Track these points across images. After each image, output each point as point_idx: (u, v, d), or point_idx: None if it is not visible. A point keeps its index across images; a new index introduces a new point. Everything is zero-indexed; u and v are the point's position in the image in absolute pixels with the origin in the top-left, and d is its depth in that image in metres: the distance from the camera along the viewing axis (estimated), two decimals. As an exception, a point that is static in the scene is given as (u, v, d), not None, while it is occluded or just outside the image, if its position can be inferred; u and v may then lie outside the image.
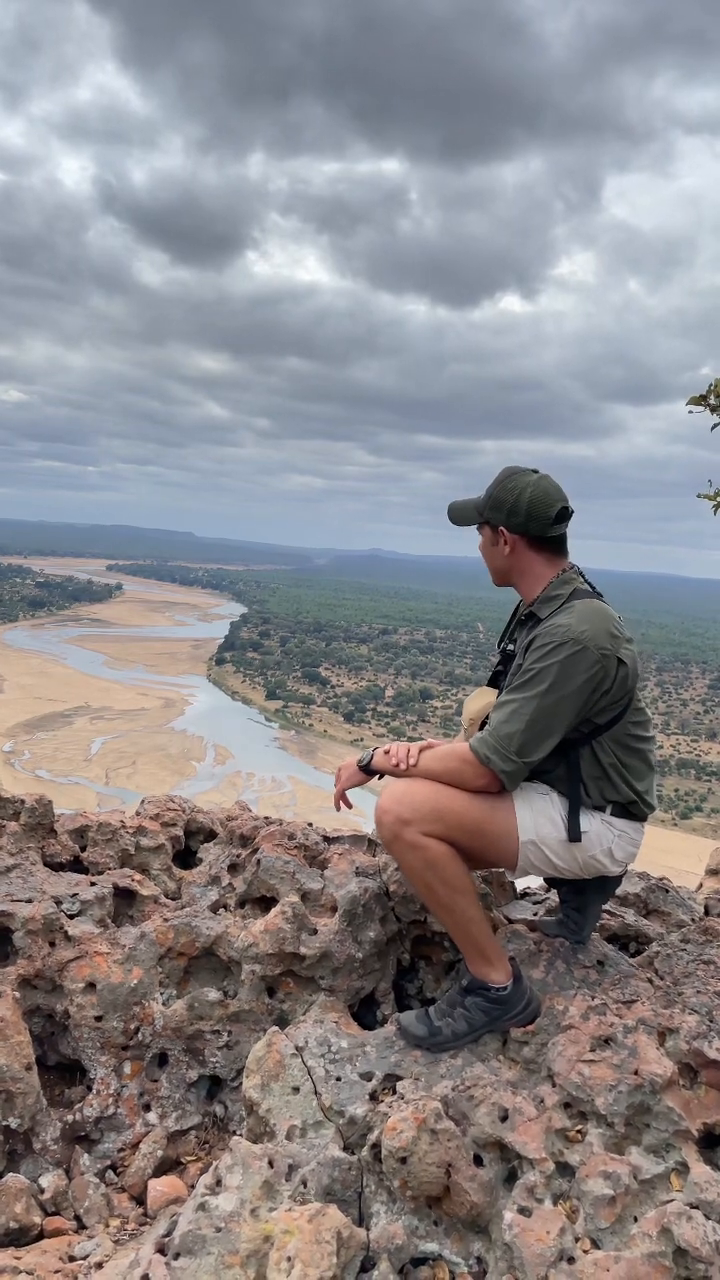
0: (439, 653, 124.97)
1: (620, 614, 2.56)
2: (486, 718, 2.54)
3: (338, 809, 2.73)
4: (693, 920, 3.13)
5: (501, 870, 3.03)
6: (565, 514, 2.52)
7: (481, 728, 2.50)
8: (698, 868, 4.23)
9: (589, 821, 2.45)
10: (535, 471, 2.56)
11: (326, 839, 3.23)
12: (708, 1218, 1.96)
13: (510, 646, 2.72)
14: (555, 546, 2.56)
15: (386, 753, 2.54)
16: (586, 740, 2.43)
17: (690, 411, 2.96)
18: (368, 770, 2.60)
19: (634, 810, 2.51)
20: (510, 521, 2.52)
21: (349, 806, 2.67)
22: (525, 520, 2.50)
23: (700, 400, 2.93)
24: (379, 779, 2.61)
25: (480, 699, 2.73)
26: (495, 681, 2.76)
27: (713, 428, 2.93)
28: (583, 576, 2.59)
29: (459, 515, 2.65)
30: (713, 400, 2.91)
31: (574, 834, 2.42)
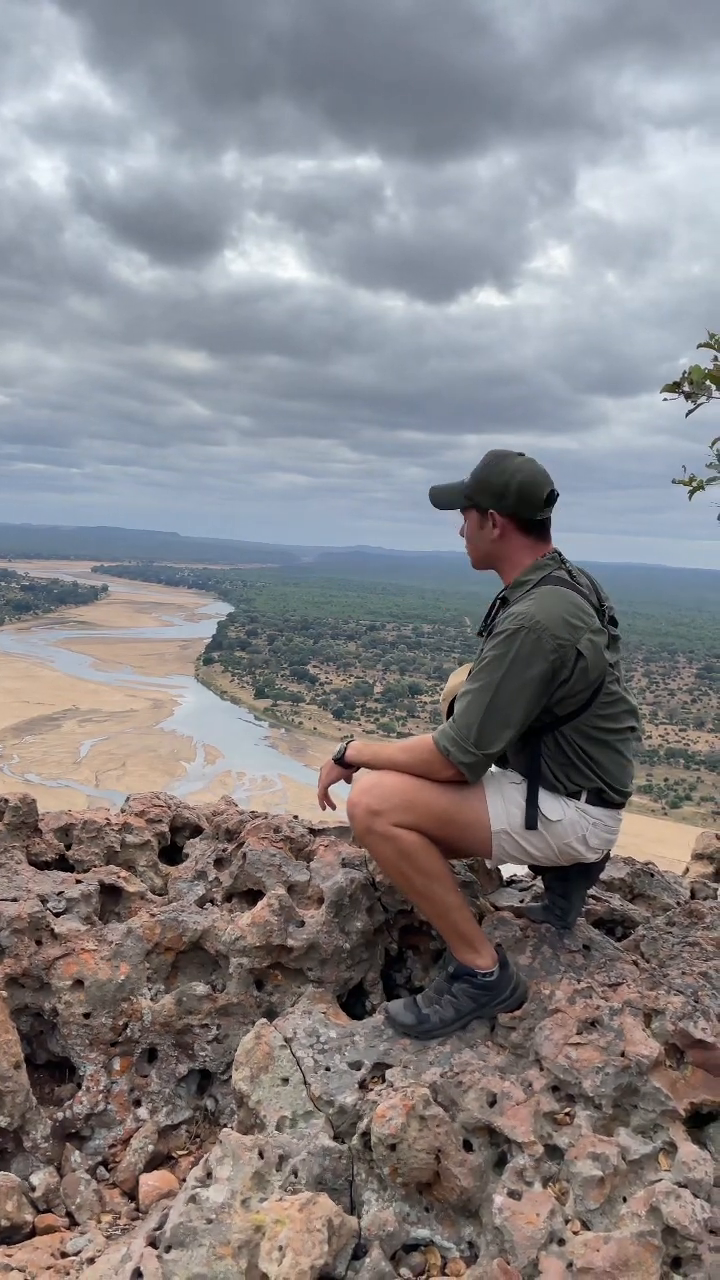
0: (427, 648, 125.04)
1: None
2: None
3: (322, 808, 2.71)
4: (678, 904, 3.14)
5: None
6: (553, 497, 2.50)
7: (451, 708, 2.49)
8: (688, 856, 4.24)
9: (562, 809, 2.43)
10: (521, 454, 2.52)
11: (312, 831, 3.23)
12: (696, 1196, 1.98)
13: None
14: (540, 530, 2.54)
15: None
16: (549, 730, 2.40)
17: (665, 399, 2.95)
18: (342, 763, 2.57)
19: (607, 798, 2.48)
20: (501, 505, 2.47)
21: (333, 807, 2.65)
22: (516, 503, 2.46)
23: (674, 388, 2.92)
24: (358, 772, 2.59)
25: (461, 675, 2.71)
26: None
27: (687, 414, 2.93)
28: (564, 562, 2.55)
29: (443, 498, 2.59)
30: (687, 387, 2.91)
31: (530, 822, 2.40)
